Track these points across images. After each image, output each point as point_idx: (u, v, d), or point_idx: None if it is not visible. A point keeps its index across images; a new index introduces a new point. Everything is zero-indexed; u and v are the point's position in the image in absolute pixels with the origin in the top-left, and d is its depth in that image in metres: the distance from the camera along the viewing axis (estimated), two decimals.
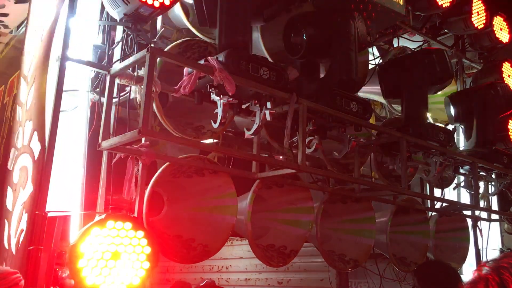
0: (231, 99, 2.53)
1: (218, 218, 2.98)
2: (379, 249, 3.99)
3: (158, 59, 2.46)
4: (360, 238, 3.70)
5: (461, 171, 4.16)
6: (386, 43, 4.62)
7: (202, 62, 2.47)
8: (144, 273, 2.10)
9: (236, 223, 3.05)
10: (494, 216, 4.50)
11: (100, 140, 2.41)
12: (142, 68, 2.50)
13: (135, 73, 2.52)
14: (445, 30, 4.66)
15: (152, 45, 2.57)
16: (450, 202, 4.16)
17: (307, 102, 2.80)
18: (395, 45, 4.55)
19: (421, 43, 4.68)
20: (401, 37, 4.64)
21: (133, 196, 2.37)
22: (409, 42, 4.74)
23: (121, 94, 2.73)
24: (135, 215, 2.33)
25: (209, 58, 2.48)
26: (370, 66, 4.20)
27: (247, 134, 2.77)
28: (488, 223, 4.46)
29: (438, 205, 4.35)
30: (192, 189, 3.04)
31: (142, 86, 2.30)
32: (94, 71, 2.71)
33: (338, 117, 3.02)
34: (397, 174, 3.77)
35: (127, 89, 2.68)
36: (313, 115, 3.01)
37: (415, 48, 4.58)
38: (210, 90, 2.58)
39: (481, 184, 4.37)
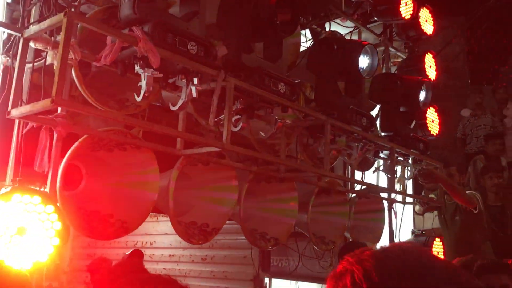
0: (156, 72, 2.45)
1: (139, 194, 2.91)
2: (300, 228, 4.09)
3: (79, 25, 2.33)
4: (282, 217, 3.78)
5: (381, 155, 4.34)
6: (318, 26, 4.68)
7: (126, 31, 2.37)
8: (53, 249, 2.00)
9: (158, 200, 3.00)
10: (409, 199, 4.75)
11: (9, 107, 2.25)
12: None
13: (52, 38, 2.36)
14: (375, 18, 4.78)
15: (72, 9, 2.41)
16: (368, 185, 4.33)
17: (235, 80, 2.78)
18: (328, 29, 4.62)
19: (352, 29, 4.78)
20: (334, 22, 4.72)
21: (45, 168, 2.24)
22: (342, 28, 4.83)
23: (37, 59, 2.56)
24: (47, 189, 2.21)
25: (134, 28, 2.37)
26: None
27: (172, 109, 2.71)
28: (402, 205, 4.70)
29: (358, 187, 4.53)
30: (113, 163, 2.94)
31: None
32: (7, 32, 2.51)
33: (266, 97, 3.03)
34: (322, 156, 3.87)
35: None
36: (241, 94, 3.00)
37: (345, 34, 4.67)
38: (135, 61, 2.48)
39: (399, 168, 4.59)
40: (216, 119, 2.93)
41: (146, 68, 2.43)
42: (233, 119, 2.96)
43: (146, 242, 6.70)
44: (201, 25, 2.83)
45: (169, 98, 3.29)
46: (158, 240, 6.51)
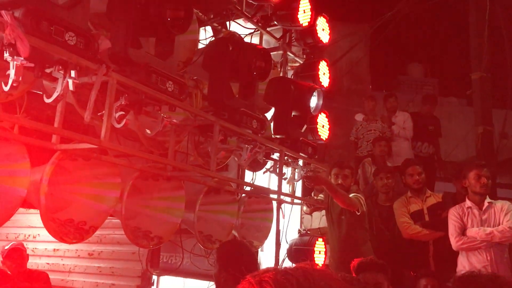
0: (26, 62, 2.28)
1: (7, 189, 2.71)
2: (188, 226, 4.07)
3: None
4: (168, 216, 3.73)
5: (272, 157, 4.45)
6: (219, 25, 4.68)
7: None
8: None
9: (31, 195, 2.83)
10: (297, 200, 4.93)
11: None
12: None
13: None
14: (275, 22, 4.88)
15: None
16: (255, 187, 4.42)
17: (118, 76, 2.68)
18: (228, 28, 4.64)
19: (253, 30, 4.85)
20: (235, 21, 4.74)
21: None
22: (243, 29, 4.87)
23: None
24: None
25: (3, 12, 2.20)
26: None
27: (47, 101, 2.56)
28: (291, 205, 4.87)
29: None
30: None
31: None
32: None
33: (152, 95, 2.96)
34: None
35: None
36: (127, 90, 2.90)
37: (245, 35, 4.72)
38: (4, 48, 2.30)
39: (289, 170, 4.74)
40: (100, 114, 2.83)
41: (15, 57, 2.26)
42: (117, 115, 2.86)
43: (29, 235, 6.31)
44: (85, 14, 2.69)
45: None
46: (42, 233, 6.14)
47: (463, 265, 4.58)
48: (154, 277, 5.38)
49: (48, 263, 5.96)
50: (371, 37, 12.08)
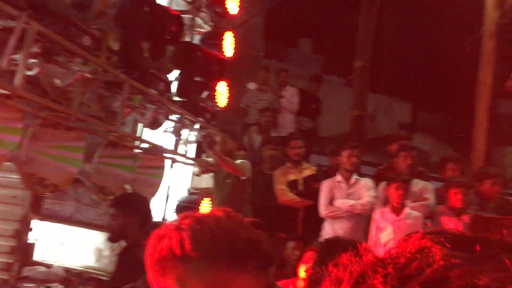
0: None
1: None
2: (84, 176, 4.15)
3: None
4: (65, 165, 3.78)
5: (172, 118, 4.64)
6: None
7: None
8: None
9: None
10: (189, 161, 5.20)
11: None
12: None
13: None
14: None
15: None
16: (153, 144, 4.58)
17: (38, 26, 2.67)
18: None
19: None
20: None
21: None
22: None
23: None
24: None
25: None
26: None
27: None
28: (183, 166, 5.14)
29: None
30: None
31: None
32: None
33: (68, 47, 2.98)
34: (116, 110, 3.96)
35: None
36: (41, 38, 2.89)
37: None
38: None
39: (186, 132, 4.98)
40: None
41: None
42: (30, 61, 2.85)
43: None
44: None
45: None
46: None
47: (328, 230, 5.31)
48: (35, 222, 5.31)
49: None
50: (269, 7, 12.44)
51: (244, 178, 5.53)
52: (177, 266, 1.05)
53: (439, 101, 14.72)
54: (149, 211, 3.53)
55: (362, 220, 5.33)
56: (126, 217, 3.30)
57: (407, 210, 4.92)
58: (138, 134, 4.70)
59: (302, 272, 4.07)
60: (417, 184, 5.38)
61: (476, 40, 7.59)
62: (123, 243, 3.73)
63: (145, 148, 4.69)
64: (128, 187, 4.61)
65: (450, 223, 4.79)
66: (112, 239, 3.71)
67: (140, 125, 4.94)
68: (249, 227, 1.15)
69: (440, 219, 4.90)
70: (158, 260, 1.08)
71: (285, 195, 5.83)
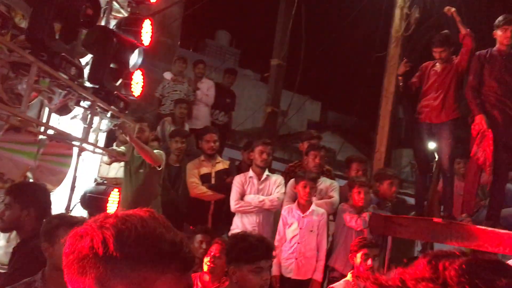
0: None
1: None
2: None
3: None
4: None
5: (82, 104, 4.44)
6: None
7: None
8: None
9: None
10: (99, 150, 5.00)
11: None
12: None
13: None
14: None
15: None
16: (59, 132, 4.35)
17: None
18: None
19: None
20: None
21: None
22: None
23: None
24: None
25: None
26: None
27: None
28: (92, 154, 4.94)
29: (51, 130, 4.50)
30: None
31: None
32: None
33: None
34: (20, 92, 3.71)
35: None
36: None
37: None
38: None
39: (96, 119, 4.78)
40: None
41: None
42: None
43: None
44: None
45: None
46: None
47: (237, 224, 5.39)
48: None
49: None
50: None
51: (160, 168, 5.45)
52: (98, 266, 1.01)
53: (346, 102, 15.55)
54: (48, 203, 3.33)
55: (270, 215, 5.48)
56: (21, 208, 3.09)
57: (313, 207, 5.14)
58: (44, 120, 4.42)
59: (205, 265, 4.10)
60: (324, 182, 5.64)
61: (383, 48, 8.09)
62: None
63: (52, 135, 4.44)
64: (30, 175, 4.34)
65: (352, 220, 5.09)
66: (2, 229, 3.45)
67: (46, 110, 4.67)
68: (172, 228, 1.13)
69: (343, 216, 5.18)
70: (77, 259, 1.03)
71: (197, 188, 5.83)
